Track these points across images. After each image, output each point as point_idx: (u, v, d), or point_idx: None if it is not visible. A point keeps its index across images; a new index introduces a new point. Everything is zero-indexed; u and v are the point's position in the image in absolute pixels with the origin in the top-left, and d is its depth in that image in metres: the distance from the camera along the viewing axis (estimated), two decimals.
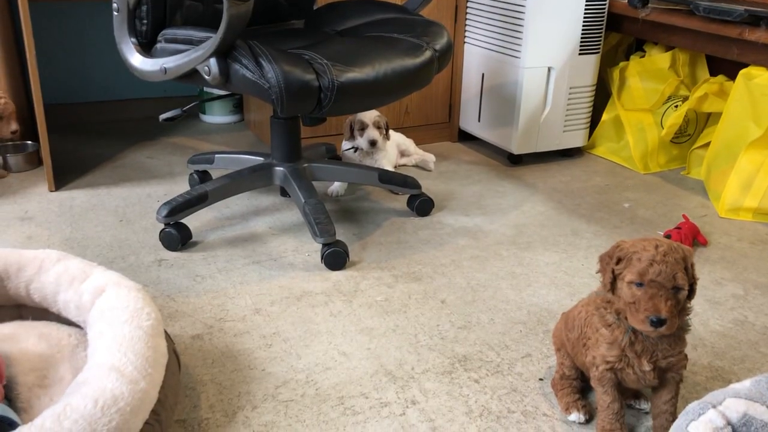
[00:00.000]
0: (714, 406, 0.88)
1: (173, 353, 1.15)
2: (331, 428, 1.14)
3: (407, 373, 1.29)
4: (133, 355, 1.01)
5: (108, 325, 1.07)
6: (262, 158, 1.93)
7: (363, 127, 2.08)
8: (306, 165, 1.86)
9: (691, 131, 2.43)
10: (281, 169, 1.82)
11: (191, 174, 2.14)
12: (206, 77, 1.51)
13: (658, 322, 0.98)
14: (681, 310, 1.03)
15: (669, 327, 0.99)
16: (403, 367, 1.31)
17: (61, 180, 2.16)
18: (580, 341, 1.13)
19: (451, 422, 1.17)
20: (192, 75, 1.55)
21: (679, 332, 1.06)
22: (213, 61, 1.48)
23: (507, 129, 2.37)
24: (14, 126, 2.14)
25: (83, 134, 2.61)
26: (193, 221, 1.86)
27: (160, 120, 1.85)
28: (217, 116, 2.81)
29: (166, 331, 1.18)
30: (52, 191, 2.07)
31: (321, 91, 1.49)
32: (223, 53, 1.48)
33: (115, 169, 2.27)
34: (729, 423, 0.87)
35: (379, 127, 2.09)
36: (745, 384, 0.92)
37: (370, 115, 2.08)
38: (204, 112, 2.83)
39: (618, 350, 1.05)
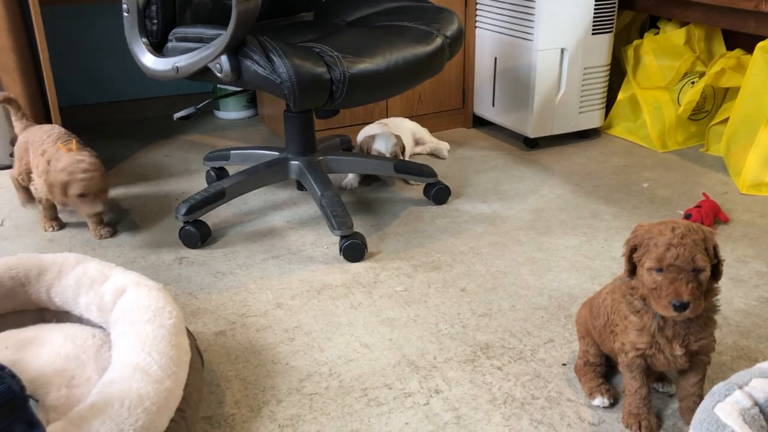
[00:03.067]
0: (740, 387, 0.87)
1: (196, 350, 1.16)
2: (355, 420, 1.15)
3: (430, 363, 1.29)
4: (158, 354, 1.03)
5: (130, 325, 1.09)
6: (277, 152, 1.93)
7: None
8: (321, 158, 1.86)
9: (709, 107, 2.40)
10: (296, 162, 1.83)
11: (208, 171, 2.15)
12: (218, 74, 1.51)
13: (681, 306, 0.97)
14: (707, 291, 1.01)
15: (693, 310, 0.97)
16: (425, 356, 1.31)
17: None
18: (606, 328, 1.11)
19: (476, 410, 1.17)
20: (204, 73, 1.56)
21: (708, 313, 1.04)
22: (224, 58, 1.48)
23: (522, 113, 2.35)
24: (99, 207, 1.71)
25: (99, 135, 2.63)
26: (211, 218, 1.87)
27: (175, 118, 1.86)
28: (231, 112, 2.82)
29: (187, 328, 1.19)
30: None
31: (333, 83, 1.49)
32: (234, 50, 1.48)
33: (133, 169, 2.29)
34: (756, 403, 0.86)
35: (396, 156, 2.04)
36: None
37: (387, 146, 2.03)
38: (218, 109, 2.84)
39: (648, 337, 1.04)
